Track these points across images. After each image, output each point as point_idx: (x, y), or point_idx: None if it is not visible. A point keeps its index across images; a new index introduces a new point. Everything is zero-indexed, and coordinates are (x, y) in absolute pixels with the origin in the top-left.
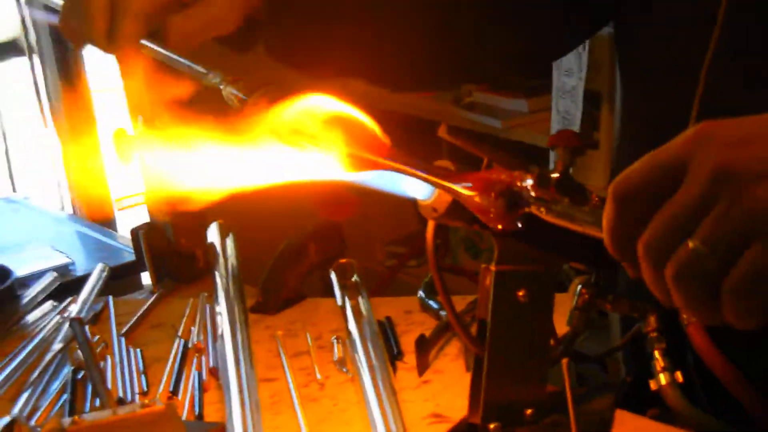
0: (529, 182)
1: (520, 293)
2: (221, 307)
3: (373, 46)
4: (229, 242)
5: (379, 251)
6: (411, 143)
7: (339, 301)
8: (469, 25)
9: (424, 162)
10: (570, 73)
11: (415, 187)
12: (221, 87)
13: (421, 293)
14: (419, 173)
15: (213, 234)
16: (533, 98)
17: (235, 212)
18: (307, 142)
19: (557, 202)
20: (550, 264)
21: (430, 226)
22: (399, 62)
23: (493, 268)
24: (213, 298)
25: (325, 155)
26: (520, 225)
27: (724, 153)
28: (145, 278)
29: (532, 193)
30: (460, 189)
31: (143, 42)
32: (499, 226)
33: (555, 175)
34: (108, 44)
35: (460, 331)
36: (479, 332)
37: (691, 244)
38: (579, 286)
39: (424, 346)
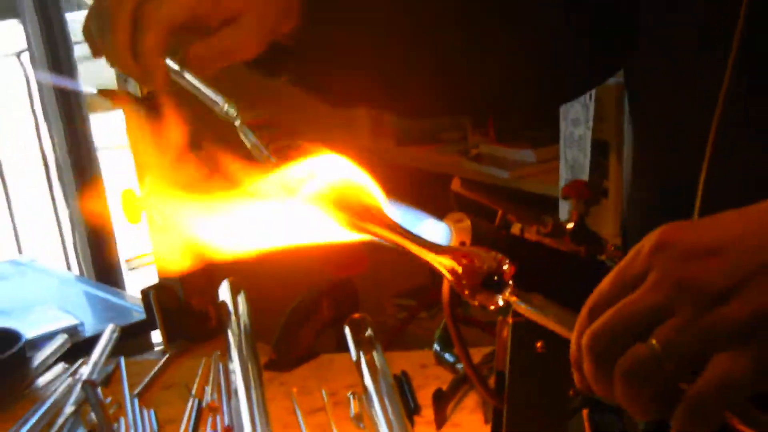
0: (505, 267)
1: (538, 344)
2: (235, 365)
3: (396, 75)
4: (241, 300)
5: (388, 304)
6: (419, 196)
7: (353, 357)
8: (499, 60)
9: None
10: (577, 123)
11: (433, 232)
12: (236, 123)
13: (436, 346)
14: (399, 240)
15: (224, 292)
16: (540, 148)
17: (246, 269)
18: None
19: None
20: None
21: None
22: (424, 90)
23: (509, 320)
24: (226, 357)
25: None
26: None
27: (685, 266)
28: (156, 337)
29: (509, 283)
30: (437, 263)
31: (166, 61)
32: (476, 302)
33: (570, 225)
34: (128, 58)
35: (478, 383)
36: (497, 384)
37: (654, 342)
38: None
39: (441, 399)
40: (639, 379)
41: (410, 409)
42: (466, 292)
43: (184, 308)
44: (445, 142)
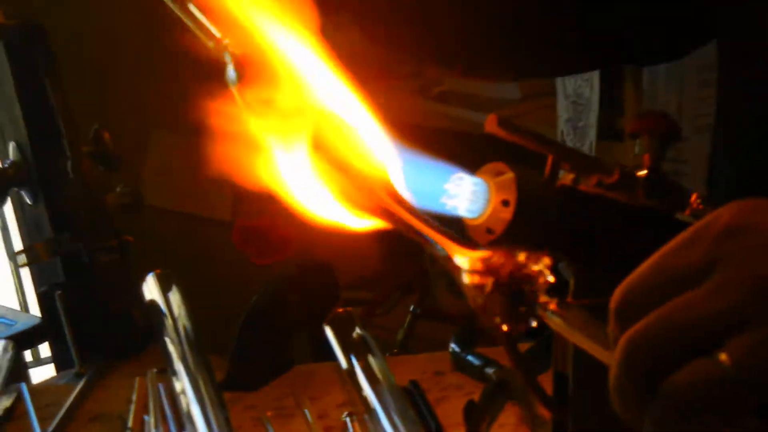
0: (545, 278)
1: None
2: (183, 383)
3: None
4: (174, 297)
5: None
6: None
7: (343, 365)
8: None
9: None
10: None
11: (461, 202)
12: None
13: (453, 346)
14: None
15: (151, 288)
16: (525, 81)
17: (177, 257)
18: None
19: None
20: None
21: None
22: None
23: (571, 301)
24: (167, 374)
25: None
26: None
27: (766, 262)
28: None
29: (541, 296)
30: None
31: None
32: (499, 322)
33: (642, 172)
34: None
35: (533, 390)
36: (557, 391)
37: (723, 357)
38: None
39: (474, 415)
40: (700, 406)
41: (431, 431)
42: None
43: (103, 312)
44: (394, 77)
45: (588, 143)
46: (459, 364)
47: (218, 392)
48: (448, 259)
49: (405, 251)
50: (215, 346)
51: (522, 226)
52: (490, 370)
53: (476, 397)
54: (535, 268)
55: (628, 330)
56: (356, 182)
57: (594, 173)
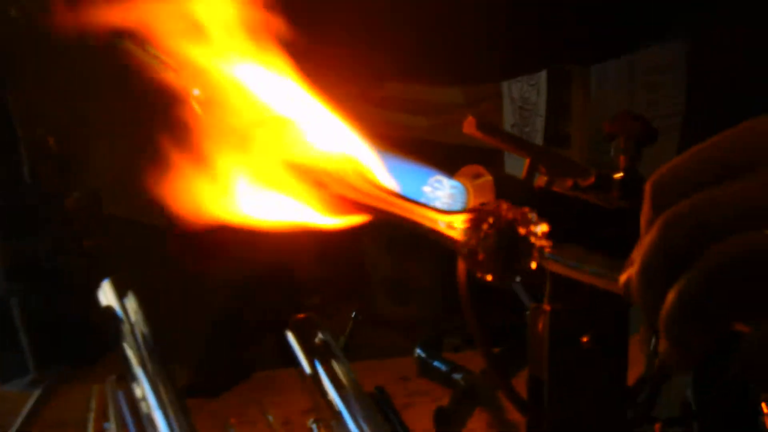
0: (539, 228)
1: (584, 339)
2: (144, 390)
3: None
4: (130, 303)
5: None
6: None
7: (306, 369)
8: None
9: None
10: None
11: (440, 205)
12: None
13: (419, 352)
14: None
15: (107, 294)
16: (470, 85)
17: (136, 264)
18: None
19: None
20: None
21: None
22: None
23: (546, 307)
24: (126, 381)
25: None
26: (518, 279)
27: None
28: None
29: (536, 240)
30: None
31: None
32: (489, 278)
33: (618, 174)
34: None
35: (508, 394)
36: (531, 394)
37: None
38: None
39: (444, 421)
40: (747, 273)
41: None
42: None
43: (61, 317)
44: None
45: None
46: (425, 370)
47: (180, 398)
48: (437, 230)
49: (346, 257)
50: (175, 353)
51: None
52: (457, 376)
53: (443, 403)
54: (528, 215)
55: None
56: (327, 178)
57: (570, 175)
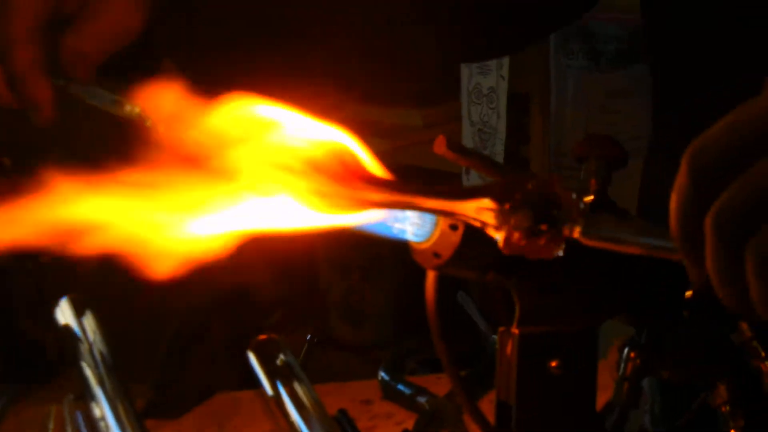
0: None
1: (553, 363)
2: (102, 408)
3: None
4: (88, 322)
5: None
6: None
7: (269, 391)
8: None
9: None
10: (486, 72)
11: (406, 226)
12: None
13: (383, 374)
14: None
15: (65, 313)
16: (429, 108)
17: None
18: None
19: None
20: (591, 321)
21: (431, 278)
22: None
23: (515, 330)
24: (85, 400)
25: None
26: (560, 253)
27: None
28: None
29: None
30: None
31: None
32: (531, 255)
33: (588, 197)
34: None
35: (476, 419)
36: (499, 420)
37: None
38: (626, 349)
39: None
40: None
41: None
42: (516, 238)
43: (17, 338)
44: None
45: None
46: (389, 393)
47: (139, 419)
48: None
49: (301, 279)
50: (135, 373)
51: (470, 250)
52: (422, 399)
53: (407, 426)
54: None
55: (716, 203)
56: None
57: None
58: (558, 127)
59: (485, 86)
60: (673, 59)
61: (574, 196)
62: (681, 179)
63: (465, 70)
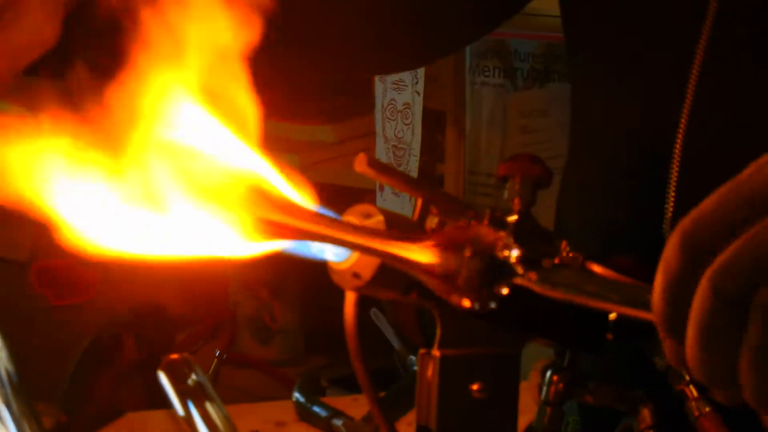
0: (514, 252)
1: (474, 387)
2: (8, 430)
3: None
4: None
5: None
6: None
7: (180, 411)
8: None
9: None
10: (401, 87)
11: (326, 247)
12: None
13: (297, 396)
14: (352, 239)
15: None
16: (340, 123)
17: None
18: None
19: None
20: (513, 344)
21: (350, 299)
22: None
23: (436, 353)
24: None
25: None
26: (494, 305)
27: None
28: None
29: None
30: (414, 255)
31: None
32: (467, 303)
33: (512, 218)
34: None
35: None
36: None
37: None
38: (548, 372)
39: None
40: None
41: None
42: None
43: None
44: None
45: None
46: (304, 415)
47: None
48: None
49: (209, 294)
50: (43, 392)
51: (391, 272)
52: (338, 422)
53: None
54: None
55: (716, 262)
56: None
57: (463, 217)
58: (473, 145)
59: (400, 102)
60: (594, 76)
61: (514, 252)
62: (670, 251)
63: (379, 85)
